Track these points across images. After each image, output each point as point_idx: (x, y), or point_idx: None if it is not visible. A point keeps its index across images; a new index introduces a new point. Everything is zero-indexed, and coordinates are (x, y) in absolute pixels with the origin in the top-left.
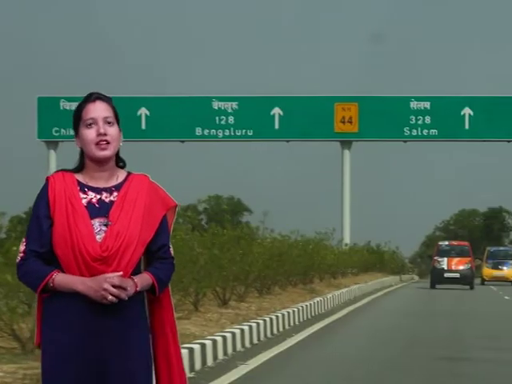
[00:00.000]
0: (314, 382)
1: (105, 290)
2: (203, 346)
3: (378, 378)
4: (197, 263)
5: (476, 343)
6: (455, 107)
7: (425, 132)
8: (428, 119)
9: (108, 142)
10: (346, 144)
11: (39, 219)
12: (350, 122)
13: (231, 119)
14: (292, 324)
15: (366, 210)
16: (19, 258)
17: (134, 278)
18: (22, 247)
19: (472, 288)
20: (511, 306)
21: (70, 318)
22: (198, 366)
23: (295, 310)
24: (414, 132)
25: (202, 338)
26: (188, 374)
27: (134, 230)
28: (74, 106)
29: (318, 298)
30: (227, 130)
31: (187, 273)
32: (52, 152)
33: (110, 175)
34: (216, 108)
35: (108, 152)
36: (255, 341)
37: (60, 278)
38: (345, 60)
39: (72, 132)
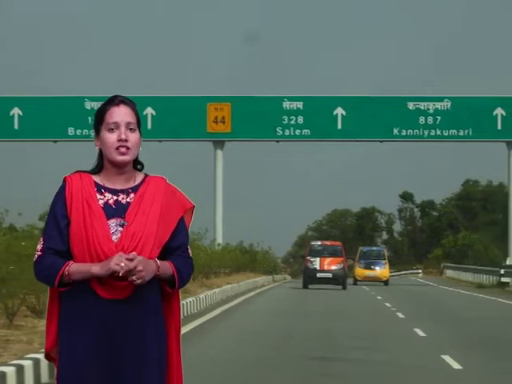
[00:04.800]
0: None
1: (117, 257)
2: None
3: (246, 378)
4: None
5: (348, 343)
6: (328, 107)
7: (297, 132)
8: (301, 119)
9: (128, 148)
10: (219, 144)
11: (56, 218)
12: (223, 122)
13: None
14: None
15: (238, 210)
16: (36, 256)
17: (156, 260)
18: (40, 246)
19: (344, 288)
20: (383, 306)
21: (89, 316)
22: None
23: None
24: (287, 132)
25: None
26: None
27: (150, 231)
28: None
29: (191, 298)
30: None
31: None
32: None
33: (128, 177)
34: (88, 108)
35: (127, 157)
36: None
37: (74, 267)
38: (218, 60)
39: None
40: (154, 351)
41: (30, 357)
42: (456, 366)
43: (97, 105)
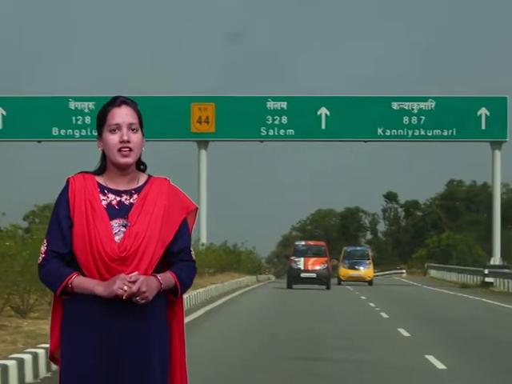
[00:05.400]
0: None
1: (121, 280)
2: None
3: (230, 378)
4: None
5: (332, 343)
6: (312, 107)
7: (281, 132)
8: (285, 119)
9: (131, 149)
10: (203, 144)
11: (59, 220)
12: (207, 122)
13: (88, 119)
14: None
15: (222, 210)
16: (40, 258)
17: (158, 276)
18: (44, 248)
19: (328, 288)
20: (367, 306)
21: (92, 317)
22: (54, 366)
23: None
24: (271, 132)
25: None
26: (45, 374)
27: (153, 231)
28: None
29: None
30: (84, 130)
31: None
32: None
33: (131, 178)
34: (73, 108)
35: (130, 159)
36: None
37: (78, 280)
38: (201, 60)
39: None
40: (157, 353)
41: (14, 357)
42: (440, 365)
43: (81, 105)
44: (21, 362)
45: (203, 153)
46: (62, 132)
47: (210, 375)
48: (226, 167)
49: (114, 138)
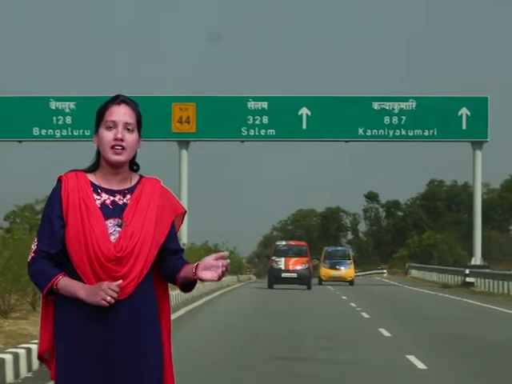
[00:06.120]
0: None
1: (103, 290)
2: None
3: (212, 378)
4: None
5: (313, 343)
6: (292, 107)
7: (262, 132)
8: (265, 119)
9: (123, 148)
10: (184, 144)
11: (51, 219)
12: (188, 122)
13: (69, 119)
14: None
15: (203, 210)
16: (30, 257)
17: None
18: (34, 247)
19: (309, 288)
20: (348, 306)
21: (85, 318)
22: (35, 366)
23: None
24: (252, 132)
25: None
26: (25, 374)
27: (148, 231)
28: None
29: None
30: (65, 130)
31: (25, 273)
32: None
33: (124, 178)
34: (53, 108)
35: (122, 158)
36: None
37: (63, 283)
38: (182, 60)
39: None
40: (152, 350)
41: None
42: (421, 365)
43: (62, 105)
44: (1, 362)
45: (184, 153)
46: (43, 132)
47: (190, 375)
48: (207, 167)
49: (108, 135)
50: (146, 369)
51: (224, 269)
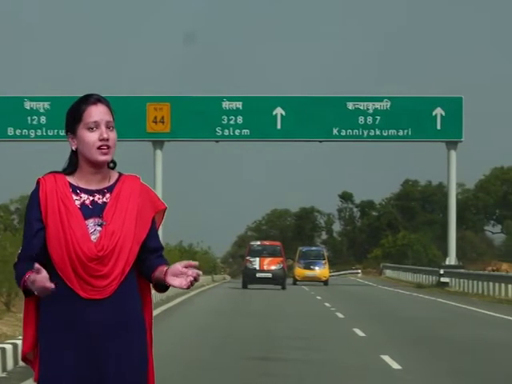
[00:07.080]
0: None
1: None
2: (15, 346)
3: (186, 378)
4: (9, 263)
5: (287, 343)
6: (267, 107)
7: (237, 132)
8: (240, 119)
9: (109, 147)
10: (158, 144)
11: (30, 222)
12: (162, 122)
13: (43, 119)
14: None
15: (178, 210)
16: (16, 260)
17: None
18: (19, 250)
19: (284, 288)
20: (323, 306)
21: (69, 318)
22: (10, 366)
23: None
24: (226, 132)
25: (14, 337)
26: (0, 374)
27: (128, 229)
28: None
29: None
30: (39, 130)
31: None
32: None
33: (103, 177)
34: (28, 108)
35: (109, 157)
36: None
37: (31, 278)
38: (157, 60)
39: None
40: (137, 347)
41: None
42: (395, 365)
43: (36, 105)
44: None
45: (159, 153)
46: (18, 132)
47: (165, 375)
48: (182, 167)
49: (92, 136)
50: (132, 366)
51: (192, 278)
